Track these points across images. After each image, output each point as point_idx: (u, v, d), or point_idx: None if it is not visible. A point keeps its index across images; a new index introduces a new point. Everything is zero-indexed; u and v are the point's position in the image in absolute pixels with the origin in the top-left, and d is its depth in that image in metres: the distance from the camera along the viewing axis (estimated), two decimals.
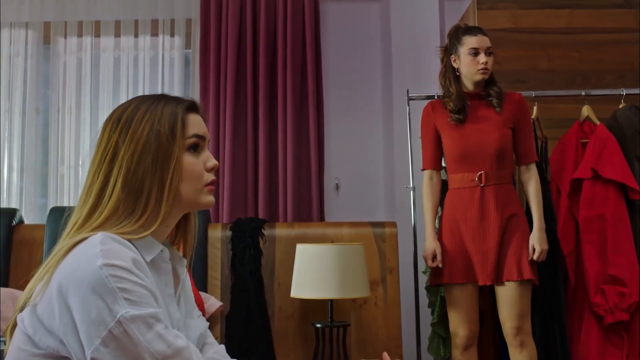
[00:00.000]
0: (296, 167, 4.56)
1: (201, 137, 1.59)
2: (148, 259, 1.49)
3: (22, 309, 1.45)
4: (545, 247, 3.36)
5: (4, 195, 4.72)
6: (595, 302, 3.67)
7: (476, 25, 4.10)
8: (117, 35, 4.84)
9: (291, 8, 4.64)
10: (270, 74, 4.68)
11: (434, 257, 3.43)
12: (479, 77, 3.46)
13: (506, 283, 3.34)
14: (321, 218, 4.56)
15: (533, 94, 4.01)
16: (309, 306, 3.85)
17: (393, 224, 4.01)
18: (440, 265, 3.42)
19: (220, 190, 4.51)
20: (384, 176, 4.94)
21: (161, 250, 1.55)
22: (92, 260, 1.35)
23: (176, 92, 4.74)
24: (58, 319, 1.36)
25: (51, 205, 4.64)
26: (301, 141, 4.63)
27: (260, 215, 4.47)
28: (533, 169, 3.51)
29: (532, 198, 3.47)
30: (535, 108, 3.98)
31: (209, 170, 1.60)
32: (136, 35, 4.83)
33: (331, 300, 3.62)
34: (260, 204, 4.50)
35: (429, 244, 3.46)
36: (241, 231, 3.90)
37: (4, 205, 4.67)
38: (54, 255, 1.44)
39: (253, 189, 4.57)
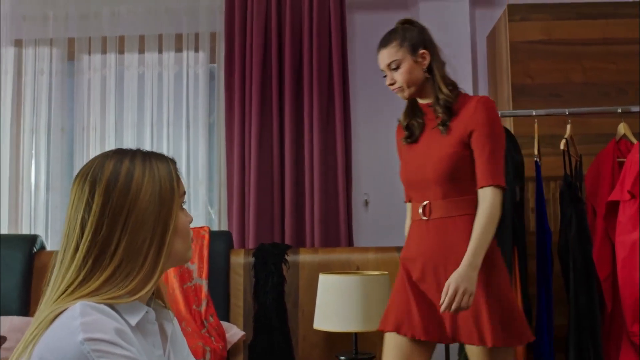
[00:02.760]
0: (323, 183, 4.46)
1: (184, 194, 1.60)
2: (133, 322, 1.44)
3: None
4: (466, 288, 2.49)
5: (31, 212, 4.70)
6: (633, 331, 3.52)
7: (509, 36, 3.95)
8: (141, 51, 4.79)
9: (317, 19, 4.54)
10: (296, 87, 4.59)
11: None
12: (400, 95, 2.84)
13: (467, 346, 2.67)
14: (349, 236, 4.45)
15: (566, 111, 3.86)
16: (333, 336, 3.76)
17: None
18: None
19: (246, 211, 4.43)
20: None
21: (146, 312, 1.51)
22: (73, 335, 1.30)
23: (201, 108, 4.70)
24: None
25: None
26: (328, 156, 4.53)
27: (287, 234, 4.38)
28: (488, 195, 2.62)
29: (475, 227, 2.60)
30: (568, 127, 3.83)
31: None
32: (160, 51, 4.78)
33: (355, 333, 3.52)
34: (286, 222, 4.40)
35: None
36: (264, 257, 3.83)
37: (32, 225, 4.66)
38: (36, 327, 1.38)
39: (280, 206, 4.48)
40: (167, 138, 4.71)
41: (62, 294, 1.43)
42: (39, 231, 4.60)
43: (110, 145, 4.70)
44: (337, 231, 4.39)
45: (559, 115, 3.93)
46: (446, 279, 2.59)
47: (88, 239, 1.45)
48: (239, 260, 3.91)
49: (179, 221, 1.55)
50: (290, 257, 3.87)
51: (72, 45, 4.83)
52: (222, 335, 3.60)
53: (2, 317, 3.63)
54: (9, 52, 4.82)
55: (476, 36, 4.87)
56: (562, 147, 3.81)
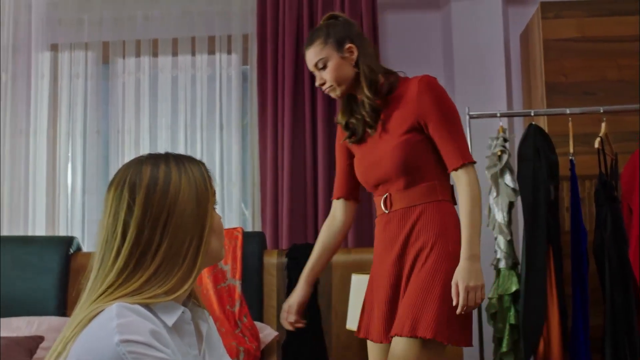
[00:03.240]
0: None
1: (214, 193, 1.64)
2: (170, 323, 1.47)
3: None
4: (474, 283, 2.35)
5: (68, 214, 4.76)
6: None
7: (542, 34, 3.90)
8: (175, 54, 4.83)
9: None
10: None
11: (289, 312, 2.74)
12: (332, 94, 2.67)
13: (393, 339, 2.43)
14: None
15: (601, 109, 3.82)
16: None
17: None
18: (289, 327, 2.79)
19: (280, 212, 4.45)
20: None
21: (182, 312, 1.53)
22: (110, 337, 1.32)
23: (234, 110, 4.72)
24: None
25: None
26: None
27: None
28: (462, 176, 2.49)
29: (462, 216, 2.47)
30: (603, 125, 3.80)
31: None
32: (193, 54, 4.80)
33: None
34: (319, 222, 4.39)
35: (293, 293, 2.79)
36: (297, 258, 3.82)
37: (68, 226, 4.72)
38: (74, 327, 1.41)
39: (313, 206, 4.49)
40: (201, 140, 4.74)
41: (101, 294, 1.46)
42: (76, 233, 4.66)
43: (144, 148, 4.73)
44: (370, 231, 4.37)
45: (593, 114, 3.90)
46: (401, 269, 2.50)
47: (130, 243, 1.48)
48: (272, 260, 3.92)
49: (214, 220, 1.61)
50: None
51: (107, 49, 4.88)
52: (255, 335, 3.62)
53: (39, 317, 3.68)
54: (45, 57, 4.88)
55: (509, 34, 4.83)
56: (596, 145, 3.78)
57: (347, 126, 2.71)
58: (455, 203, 2.60)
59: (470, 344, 2.44)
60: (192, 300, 1.66)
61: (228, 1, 4.79)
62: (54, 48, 4.92)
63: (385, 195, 2.59)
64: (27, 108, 4.82)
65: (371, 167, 2.62)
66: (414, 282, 2.44)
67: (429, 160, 2.54)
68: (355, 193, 2.84)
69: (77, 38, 4.87)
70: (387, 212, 2.59)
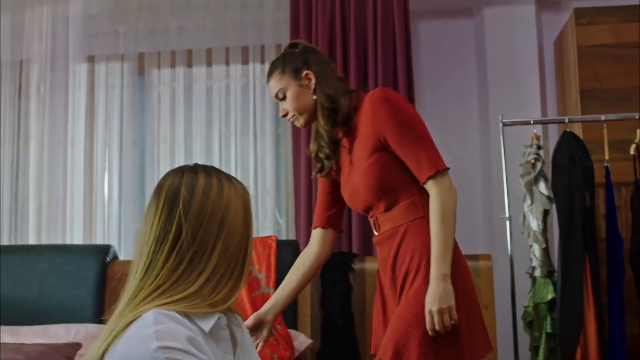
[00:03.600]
0: None
1: None
2: (207, 329, 1.48)
3: None
4: (442, 306, 2.23)
5: (105, 223, 4.83)
6: None
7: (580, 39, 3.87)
8: (209, 64, 4.87)
9: (381, 29, 4.53)
10: None
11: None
12: (297, 124, 2.59)
13: None
14: None
15: (636, 115, 3.79)
16: None
17: (488, 257, 3.85)
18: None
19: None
20: (482, 204, 4.77)
21: (218, 318, 1.54)
22: (147, 343, 1.34)
23: (268, 119, 4.75)
24: None
25: None
26: None
27: (354, 243, 4.38)
28: (431, 188, 2.37)
29: (431, 233, 2.35)
30: (638, 131, 3.77)
31: None
32: (227, 64, 4.85)
33: None
34: (353, 230, 4.40)
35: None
36: (330, 266, 3.83)
37: (105, 233, 4.78)
38: (111, 333, 1.43)
39: (346, 215, 4.49)
40: (235, 149, 4.77)
41: (147, 297, 1.47)
42: (112, 242, 4.71)
43: (179, 157, 4.78)
44: None
45: (628, 120, 3.86)
46: (394, 292, 2.45)
47: (187, 238, 1.51)
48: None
49: (252, 235, 1.65)
50: (356, 265, 3.87)
51: (142, 60, 4.95)
52: (289, 343, 3.63)
53: (77, 325, 3.74)
54: (82, 68, 4.96)
55: (543, 41, 4.81)
56: (632, 152, 3.75)
57: (317, 156, 2.61)
58: None
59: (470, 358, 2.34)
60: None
61: (261, 11, 4.83)
62: (91, 60, 5.00)
63: (372, 218, 2.54)
64: (65, 119, 4.90)
65: (352, 195, 2.56)
66: (400, 306, 2.37)
67: (403, 177, 2.45)
68: (334, 221, 2.72)
69: (113, 50, 4.94)
70: (377, 234, 2.54)
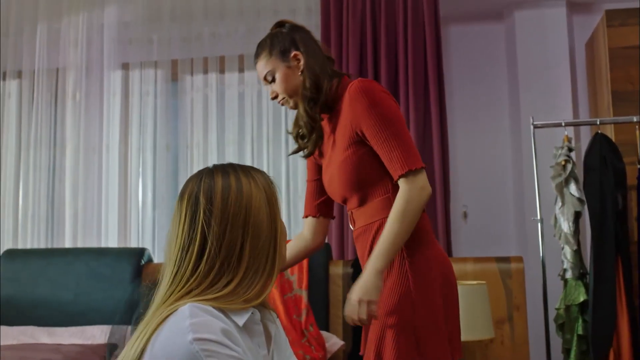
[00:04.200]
0: None
1: None
2: (241, 323, 1.51)
3: None
4: (366, 298, 2.15)
5: (140, 228, 4.89)
6: None
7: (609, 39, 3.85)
8: (241, 70, 4.92)
9: (412, 33, 4.56)
10: None
11: None
12: (288, 106, 2.49)
13: None
14: (448, 247, 4.44)
15: None
16: None
17: (519, 259, 3.85)
18: None
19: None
20: (514, 206, 4.77)
21: (252, 313, 1.57)
22: (183, 335, 1.38)
23: None
24: None
25: None
26: (426, 169, 4.52)
27: None
28: (401, 186, 2.25)
29: (385, 227, 2.22)
30: None
31: None
32: None
33: None
34: None
35: None
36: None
37: (139, 238, 4.85)
38: (147, 328, 1.47)
39: None
40: (267, 154, 4.81)
41: (179, 299, 1.50)
42: (146, 245, 4.78)
43: (212, 162, 4.72)
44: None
45: None
46: None
47: (215, 244, 1.53)
48: (338, 271, 3.96)
49: (282, 224, 1.65)
50: None
51: (175, 67, 5.01)
52: (322, 344, 3.66)
53: (113, 327, 3.80)
54: (117, 75, 5.04)
55: (574, 43, 4.81)
56: None
57: (295, 137, 2.53)
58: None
59: None
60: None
61: (293, 17, 4.86)
62: (125, 67, 5.08)
63: (349, 213, 2.47)
64: (100, 125, 4.98)
65: (329, 185, 2.48)
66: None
67: (379, 173, 2.34)
68: (324, 209, 2.62)
69: (147, 57, 5.02)
70: (353, 229, 2.46)
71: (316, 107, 2.40)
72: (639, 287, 3.73)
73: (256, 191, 1.60)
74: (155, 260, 4.43)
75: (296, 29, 2.49)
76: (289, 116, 4.80)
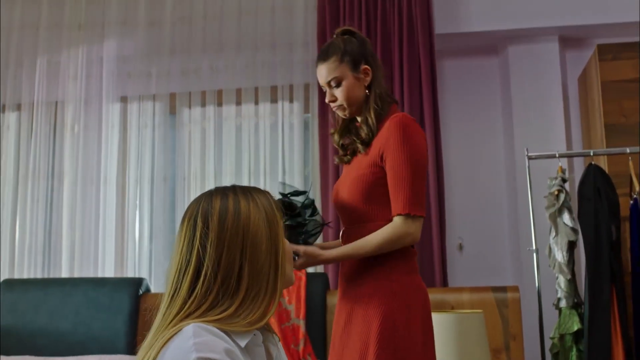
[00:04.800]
0: None
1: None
2: (242, 344, 1.53)
3: None
4: (307, 264, 2.36)
5: (136, 259, 4.90)
6: None
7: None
8: (238, 103, 4.97)
9: (407, 66, 4.62)
10: None
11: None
12: (340, 114, 2.58)
13: None
14: (444, 281, 4.46)
15: None
16: None
17: (515, 289, 3.88)
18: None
19: None
20: (509, 237, 4.81)
21: (254, 335, 1.59)
22: (187, 355, 1.39)
23: (296, 156, 4.82)
24: None
25: None
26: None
27: None
28: (395, 220, 2.36)
29: (362, 240, 2.36)
30: None
31: None
32: (256, 103, 4.95)
33: None
34: None
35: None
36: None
37: (136, 269, 4.85)
38: (151, 347, 1.49)
39: None
40: (264, 186, 4.82)
41: (178, 314, 1.53)
42: (143, 277, 4.77)
43: None
44: (432, 274, 4.41)
45: None
46: (349, 310, 2.42)
47: (210, 267, 1.55)
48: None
49: (285, 244, 1.67)
50: None
51: (174, 100, 5.06)
52: None
53: (110, 356, 3.81)
54: (115, 108, 5.08)
55: (567, 78, 4.89)
56: None
57: (342, 146, 2.63)
58: (412, 247, 2.46)
59: None
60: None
61: (290, 51, 4.94)
62: (124, 100, 5.13)
63: (342, 230, 2.55)
64: (98, 157, 5.00)
65: (336, 194, 2.57)
66: (360, 325, 2.35)
67: (386, 200, 2.42)
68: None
69: (145, 90, 5.06)
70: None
71: (378, 123, 2.48)
72: (633, 318, 3.76)
73: (255, 212, 1.62)
74: (153, 290, 4.44)
75: (366, 42, 2.58)
76: (285, 149, 4.84)
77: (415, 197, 2.35)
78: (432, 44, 4.67)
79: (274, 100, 4.96)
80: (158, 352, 1.46)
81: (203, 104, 5.01)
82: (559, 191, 3.84)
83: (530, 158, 4.01)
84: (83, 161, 4.98)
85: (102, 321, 4.02)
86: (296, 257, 2.39)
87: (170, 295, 1.57)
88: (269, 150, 4.89)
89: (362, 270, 2.42)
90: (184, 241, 1.60)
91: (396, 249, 2.38)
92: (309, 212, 2.47)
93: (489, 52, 5.05)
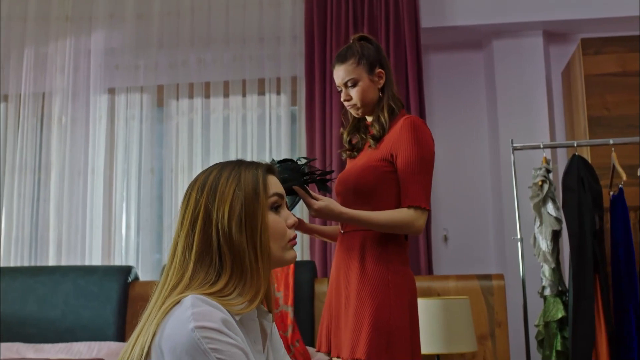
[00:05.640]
0: None
1: (280, 196, 1.69)
2: (237, 317, 1.55)
3: None
4: (325, 211, 2.46)
5: (123, 251, 4.91)
6: None
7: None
8: (226, 95, 5.01)
9: (394, 61, 4.67)
10: None
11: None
12: (352, 112, 2.77)
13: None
14: (429, 270, 4.51)
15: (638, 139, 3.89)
16: None
17: (501, 277, 3.94)
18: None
19: (328, 244, 4.53)
20: (493, 227, 4.87)
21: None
22: (185, 324, 1.43)
23: (284, 148, 4.85)
24: None
25: (165, 261, 4.77)
26: None
27: None
28: (407, 211, 2.52)
29: (376, 213, 2.52)
30: None
31: (290, 227, 1.70)
32: (244, 95, 4.98)
33: (438, 355, 3.58)
34: None
35: None
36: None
37: (123, 261, 4.86)
38: (150, 318, 1.54)
39: None
40: None
41: (174, 289, 1.57)
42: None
43: None
44: (417, 264, 4.45)
45: (635, 145, 3.96)
46: (347, 292, 2.56)
47: (185, 240, 1.61)
48: (323, 289, 4.03)
49: (269, 221, 1.65)
50: None
51: (161, 92, 5.08)
52: (308, 359, 3.71)
53: (99, 343, 3.83)
54: (103, 100, 5.09)
55: (551, 72, 4.97)
56: (639, 174, 3.85)
57: (350, 143, 2.83)
58: (405, 239, 2.64)
59: None
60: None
61: (277, 45, 4.98)
62: (111, 91, 5.13)
63: None
64: (85, 149, 5.01)
65: (342, 181, 2.70)
66: (354, 307, 2.50)
67: (390, 193, 2.59)
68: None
69: (133, 82, 5.08)
70: (342, 232, 2.69)
71: (390, 120, 2.68)
72: (614, 307, 3.82)
73: (231, 187, 1.63)
74: (142, 278, 4.46)
75: (380, 48, 2.79)
76: (273, 139, 4.87)
77: (425, 192, 2.55)
78: (418, 37, 4.73)
79: (261, 92, 4.99)
80: (158, 324, 1.49)
81: (191, 96, 5.03)
82: (543, 181, 3.90)
83: (515, 149, 4.06)
84: (70, 153, 4.99)
85: (91, 309, 4.04)
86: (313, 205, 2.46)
87: (167, 270, 1.62)
88: (256, 142, 4.91)
89: (364, 250, 2.57)
90: (179, 214, 1.65)
91: (397, 240, 2.59)
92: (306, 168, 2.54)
93: (474, 47, 5.12)
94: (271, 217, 1.66)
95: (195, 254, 1.58)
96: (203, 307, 1.47)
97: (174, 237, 1.65)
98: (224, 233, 1.58)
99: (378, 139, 2.67)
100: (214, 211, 1.60)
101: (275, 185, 1.69)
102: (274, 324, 1.81)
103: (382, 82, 2.73)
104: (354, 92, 2.69)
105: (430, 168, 2.60)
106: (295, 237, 1.72)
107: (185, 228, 1.61)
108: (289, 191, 2.44)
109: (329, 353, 2.67)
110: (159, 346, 1.46)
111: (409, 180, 2.53)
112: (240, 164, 1.69)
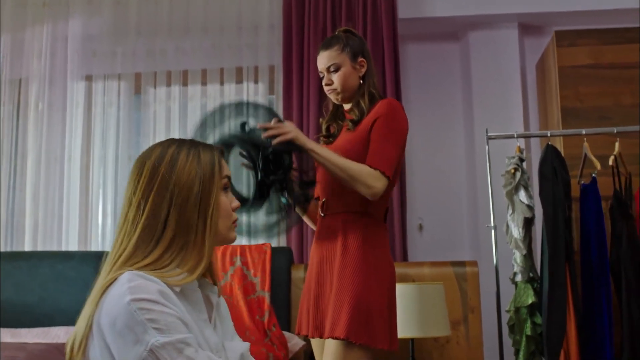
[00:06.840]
0: None
1: (229, 179, 1.76)
2: (177, 288, 1.60)
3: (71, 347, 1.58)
4: (293, 135, 2.53)
5: (99, 238, 4.91)
6: None
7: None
8: (204, 83, 5.02)
9: (372, 51, 4.69)
10: None
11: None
12: (332, 97, 2.84)
13: (327, 341, 2.61)
14: (404, 258, 4.56)
15: (614, 130, 3.96)
16: None
17: (474, 263, 4.01)
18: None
19: (304, 231, 4.57)
20: (467, 215, 4.94)
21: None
22: (122, 298, 1.49)
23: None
24: (100, 357, 1.51)
25: None
26: None
27: None
28: (369, 169, 2.59)
29: (347, 160, 2.59)
30: (617, 144, 3.94)
31: (233, 210, 1.76)
32: (222, 83, 5.00)
33: (412, 340, 3.63)
34: None
35: None
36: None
37: (100, 247, 4.88)
38: (93, 295, 1.59)
39: None
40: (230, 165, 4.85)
41: (115, 263, 1.62)
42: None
43: None
44: (393, 251, 4.49)
45: (608, 135, 4.04)
46: (330, 274, 2.65)
47: (136, 210, 1.64)
48: (300, 275, 4.07)
49: (220, 201, 1.72)
50: None
51: (139, 80, 5.08)
52: (284, 344, 3.75)
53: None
54: (80, 87, 5.09)
55: (525, 63, 5.04)
56: (610, 163, 3.92)
57: (327, 129, 2.93)
58: (384, 221, 2.76)
59: (388, 347, 2.56)
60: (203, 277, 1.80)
61: (255, 34, 5.00)
62: (89, 78, 5.13)
63: (323, 200, 2.78)
64: (62, 136, 5.01)
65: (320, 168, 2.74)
66: (335, 287, 2.59)
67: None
68: None
69: (110, 69, 5.08)
70: (322, 215, 2.77)
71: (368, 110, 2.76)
72: (583, 296, 3.89)
73: (191, 166, 1.68)
74: None
75: (364, 41, 2.91)
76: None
77: (389, 160, 2.62)
78: (396, 28, 4.77)
79: (239, 81, 5.01)
80: (97, 302, 1.55)
81: (168, 84, 5.04)
82: (515, 169, 3.96)
83: (490, 138, 4.12)
84: (47, 140, 4.98)
85: (68, 294, 4.06)
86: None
87: (116, 239, 1.67)
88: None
89: (346, 231, 2.66)
90: (127, 187, 1.69)
91: (377, 222, 2.71)
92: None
93: (451, 38, 5.18)
94: (222, 197, 1.73)
95: (142, 223, 1.62)
96: (139, 281, 1.52)
97: (123, 205, 1.68)
98: (177, 205, 1.63)
99: (356, 123, 2.75)
100: (171, 183, 1.64)
101: (226, 168, 1.76)
102: (222, 300, 1.86)
103: (363, 70, 2.82)
104: (335, 77, 2.77)
105: (400, 142, 2.69)
106: (237, 220, 1.77)
107: (137, 196, 1.64)
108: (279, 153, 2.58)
109: (306, 336, 2.74)
110: (99, 323, 1.51)
111: (378, 147, 2.63)
112: (197, 143, 1.74)
